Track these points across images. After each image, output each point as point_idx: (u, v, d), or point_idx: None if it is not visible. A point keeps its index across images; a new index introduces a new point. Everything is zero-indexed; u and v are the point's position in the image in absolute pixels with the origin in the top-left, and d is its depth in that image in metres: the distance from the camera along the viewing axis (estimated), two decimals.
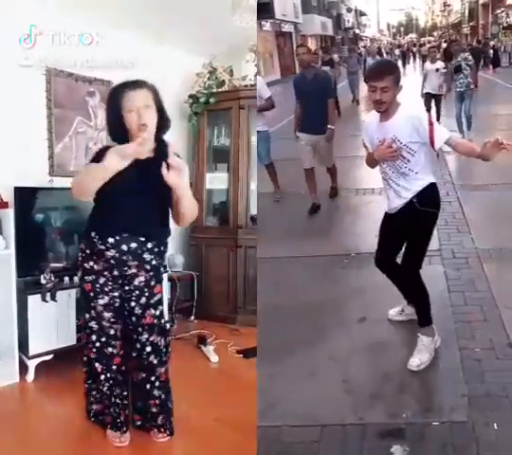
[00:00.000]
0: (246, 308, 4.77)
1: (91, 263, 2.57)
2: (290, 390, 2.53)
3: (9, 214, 3.46)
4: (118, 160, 2.29)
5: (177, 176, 2.37)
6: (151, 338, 2.66)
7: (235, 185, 5.04)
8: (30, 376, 3.53)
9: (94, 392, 2.78)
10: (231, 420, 2.92)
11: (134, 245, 2.52)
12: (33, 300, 3.51)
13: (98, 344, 2.65)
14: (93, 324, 2.64)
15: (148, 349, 2.67)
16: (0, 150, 3.72)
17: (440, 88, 8.28)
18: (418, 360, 2.57)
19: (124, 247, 2.51)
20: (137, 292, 2.62)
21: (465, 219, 4.44)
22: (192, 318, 5.01)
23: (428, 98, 8.47)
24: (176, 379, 2.91)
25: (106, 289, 2.59)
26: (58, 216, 3.99)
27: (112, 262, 2.54)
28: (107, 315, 2.62)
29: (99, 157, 2.44)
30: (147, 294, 2.64)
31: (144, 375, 2.71)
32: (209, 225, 5.29)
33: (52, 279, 3.63)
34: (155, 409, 2.74)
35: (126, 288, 2.61)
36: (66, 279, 3.81)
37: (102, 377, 2.68)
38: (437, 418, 2.28)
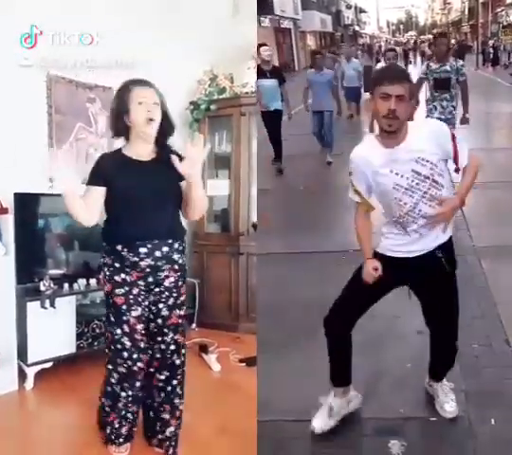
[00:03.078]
0: (249, 316, 4.71)
1: (123, 276, 2.49)
2: (287, 385, 2.53)
3: (9, 220, 3.44)
4: (69, 183, 2.26)
5: (191, 166, 2.35)
6: (175, 337, 2.64)
7: (237, 192, 5.02)
8: (29, 384, 3.49)
9: (108, 409, 2.66)
10: (233, 429, 2.88)
11: (166, 249, 2.49)
12: (32, 307, 3.48)
13: (129, 362, 2.51)
14: (125, 341, 2.50)
15: (172, 347, 2.63)
16: (0, 155, 3.69)
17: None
18: (453, 402, 2.32)
19: (158, 254, 2.47)
20: (167, 293, 2.58)
21: (463, 217, 4.47)
22: (194, 325, 4.97)
23: None
24: None
25: (139, 299, 2.53)
26: (58, 222, 3.96)
27: (147, 270, 2.50)
28: (139, 327, 2.53)
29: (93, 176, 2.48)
30: (175, 294, 2.61)
31: (167, 375, 2.65)
32: (210, 232, 5.26)
33: (52, 285, 3.59)
34: (167, 416, 2.67)
35: (156, 290, 2.56)
36: (66, 285, 3.78)
37: (123, 394, 2.57)
38: (434, 413, 2.30)
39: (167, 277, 2.56)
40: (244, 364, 3.95)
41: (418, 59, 23.17)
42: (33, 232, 3.80)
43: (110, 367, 2.57)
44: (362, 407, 2.37)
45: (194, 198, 2.49)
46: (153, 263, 2.48)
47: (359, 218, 2.26)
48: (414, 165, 1.99)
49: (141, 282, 2.52)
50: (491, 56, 21.55)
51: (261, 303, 3.36)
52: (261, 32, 18.20)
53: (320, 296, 3.26)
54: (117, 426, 2.62)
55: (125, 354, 2.51)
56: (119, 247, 2.46)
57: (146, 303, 2.56)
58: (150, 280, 2.53)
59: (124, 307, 2.49)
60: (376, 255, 2.23)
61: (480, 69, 21.05)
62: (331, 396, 2.35)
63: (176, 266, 2.58)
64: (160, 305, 2.59)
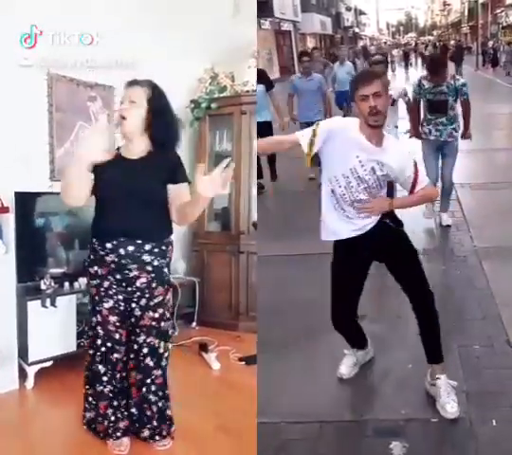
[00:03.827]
0: (249, 315, 4.72)
1: (96, 268, 2.58)
2: (289, 386, 2.54)
3: (10, 219, 3.44)
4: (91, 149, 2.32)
5: (213, 189, 2.20)
6: (148, 340, 2.64)
7: (237, 190, 5.02)
8: (30, 383, 3.49)
9: (90, 399, 2.73)
10: (232, 428, 2.89)
11: (131, 248, 2.50)
12: (33, 306, 3.48)
13: (103, 349, 2.62)
14: (99, 329, 2.61)
15: (144, 350, 2.65)
16: (0, 154, 3.69)
17: None
18: (455, 403, 2.30)
19: (122, 251, 2.50)
20: (139, 293, 2.60)
21: (464, 218, 4.50)
22: (194, 324, 4.97)
23: None
24: (178, 386, 2.87)
25: (111, 292, 2.58)
26: (58, 221, 3.97)
27: (112, 266, 2.54)
28: (113, 318, 2.60)
29: None
30: (147, 296, 2.61)
31: (141, 377, 2.68)
32: (210, 230, 5.26)
33: (52, 284, 3.60)
34: (149, 413, 2.70)
35: (129, 289, 2.60)
36: (67, 284, 3.78)
37: (105, 379, 2.63)
38: (436, 414, 2.30)
39: (138, 277, 2.57)
40: (243, 362, 3.96)
41: (419, 60, 23.19)
42: (34, 231, 3.81)
43: (92, 350, 2.66)
44: (363, 408, 2.38)
45: (193, 213, 2.48)
46: (116, 259, 2.52)
47: (287, 139, 2.41)
48: (375, 165, 2.28)
49: (110, 277, 2.57)
50: (491, 57, 21.55)
51: (261, 304, 3.36)
52: (261, 35, 18.15)
53: (320, 297, 3.28)
54: (112, 418, 2.66)
55: (99, 341, 2.61)
56: (94, 240, 2.58)
57: (121, 298, 2.61)
58: (118, 276, 2.56)
59: (96, 298, 2.60)
60: (338, 243, 2.49)
61: (480, 70, 21.09)
62: (354, 351, 2.64)
63: (149, 268, 2.58)
64: (133, 305, 2.62)
